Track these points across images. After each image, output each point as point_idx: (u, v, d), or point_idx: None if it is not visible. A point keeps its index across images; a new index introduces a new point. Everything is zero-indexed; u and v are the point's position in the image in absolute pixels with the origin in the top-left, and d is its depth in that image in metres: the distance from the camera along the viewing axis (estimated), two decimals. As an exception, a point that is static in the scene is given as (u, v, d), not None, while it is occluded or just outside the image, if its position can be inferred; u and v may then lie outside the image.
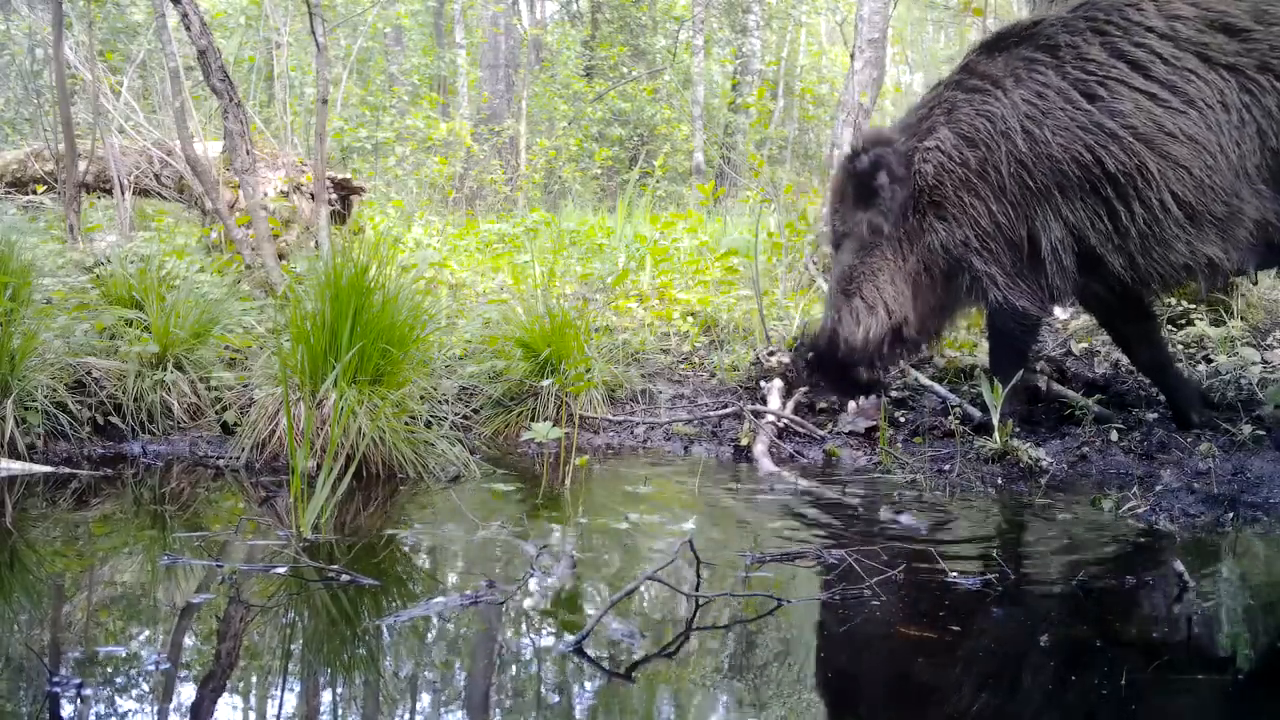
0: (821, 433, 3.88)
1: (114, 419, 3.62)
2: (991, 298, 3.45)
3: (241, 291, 4.52)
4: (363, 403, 3.31)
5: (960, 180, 3.41)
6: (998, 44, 3.50)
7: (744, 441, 3.77)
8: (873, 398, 4.00)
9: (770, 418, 3.89)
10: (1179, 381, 3.75)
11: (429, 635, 2.07)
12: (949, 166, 3.42)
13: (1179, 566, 2.38)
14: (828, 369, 3.73)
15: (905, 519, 2.91)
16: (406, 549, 2.65)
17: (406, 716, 1.75)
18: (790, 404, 4.05)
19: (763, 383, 4.29)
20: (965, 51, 3.63)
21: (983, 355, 4.42)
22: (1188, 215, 3.24)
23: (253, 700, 1.79)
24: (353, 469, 2.91)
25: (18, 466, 3.27)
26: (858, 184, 3.56)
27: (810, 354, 3.75)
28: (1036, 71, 3.36)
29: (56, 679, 1.76)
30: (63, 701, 1.70)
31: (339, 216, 6.09)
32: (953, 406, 3.89)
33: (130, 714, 1.70)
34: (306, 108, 9.26)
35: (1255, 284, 4.24)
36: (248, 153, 4.91)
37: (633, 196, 9.11)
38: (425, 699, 1.81)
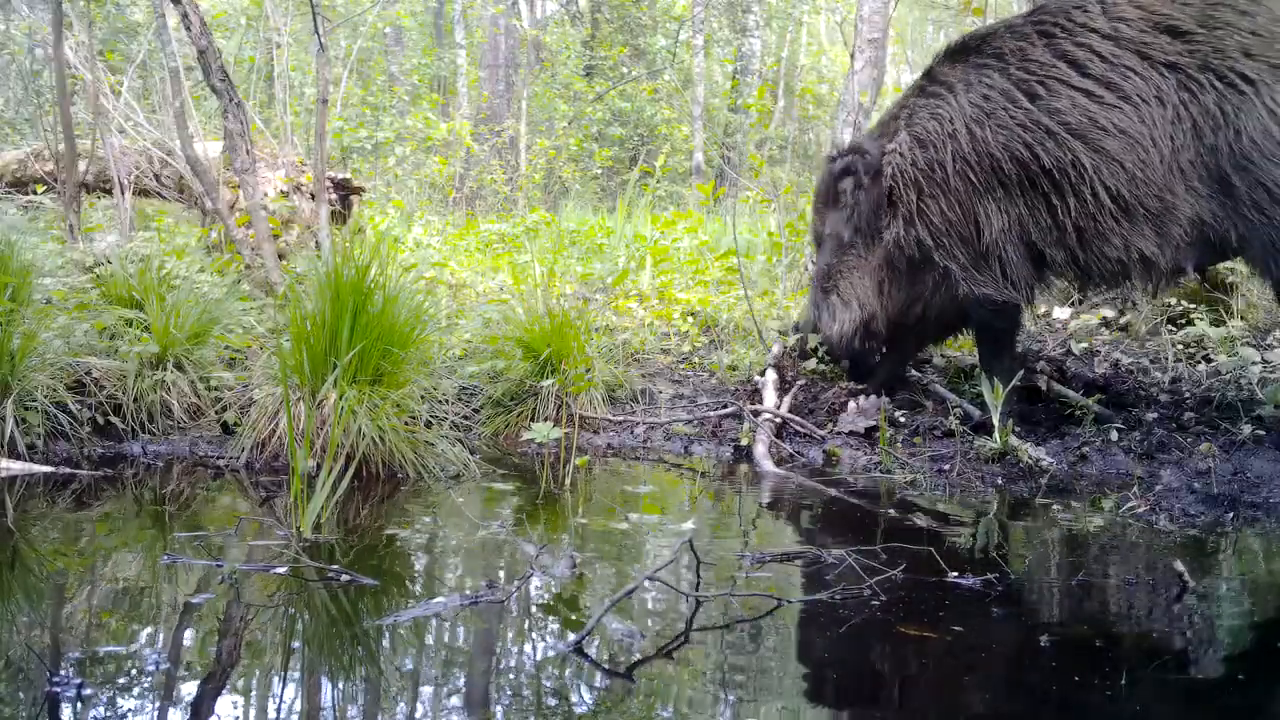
0: (821, 433, 3.88)
1: (114, 419, 3.62)
2: (960, 291, 3.59)
3: (241, 291, 4.52)
4: (363, 402, 3.31)
5: (912, 180, 3.58)
6: (958, 52, 3.66)
7: (744, 441, 3.77)
8: (873, 398, 4.00)
9: (769, 417, 3.89)
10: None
11: (429, 635, 2.07)
12: (904, 167, 3.59)
13: (1179, 566, 2.38)
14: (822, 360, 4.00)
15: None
16: (406, 549, 2.65)
17: (407, 716, 1.75)
18: (787, 401, 4.04)
19: (756, 377, 4.28)
20: (930, 59, 3.81)
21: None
22: (1121, 209, 3.32)
23: (253, 700, 1.79)
24: (353, 469, 2.91)
25: (18, 466, 3.27)
26: (831, 186, 3.80)
27: (800, 336, 4.07)
28: (985, 75, 3.51)
29: (56, 679, 1.76)
30: (63, 701, 1.70)
31: (339, 216, 6.09)
32: (953, 406, 3.89)
33: (130, 714, 1.69)
34: (306, 108, 9.26)
35: (1156, 293, 4.26)
36: (248, 153, 4.91)
37: (633, 196, 9.11)
38: (425, 699, 1.81)
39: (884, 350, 3.94)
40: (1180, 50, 3.29)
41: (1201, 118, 3.23)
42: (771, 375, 4.19)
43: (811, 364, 4.44)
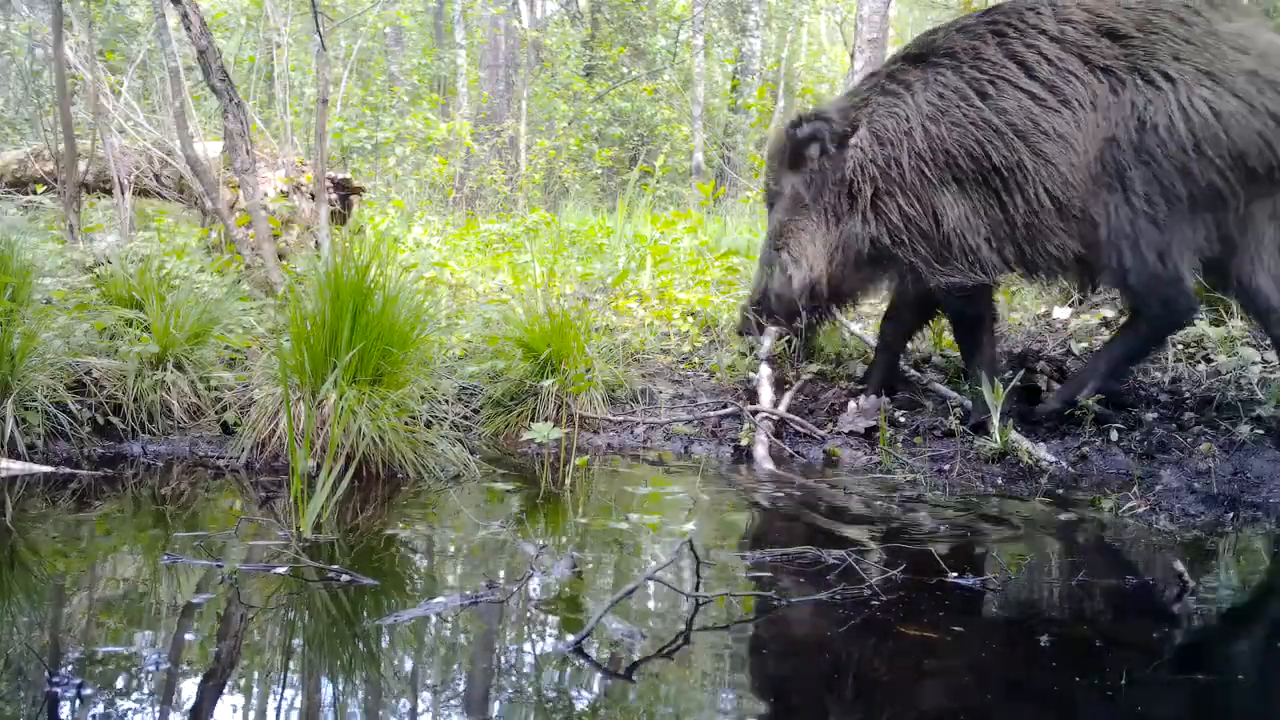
0: (821, 432, 3.88)
1: (114, 419, 3.62)
2: (929, 284, 3.67)
3: (241, 291, 4.52)
4: (363, 402, 3.31)
5: (871, 177, 3.66)
6: (917, 52, 3.74)
7: (744, 441, 3.77)
8: (873, 398, 4.01)
9: (771, 417, 3.89)
10: (896, 361, 4.17)
11: (429, 635, 2.07)
12: (864, 163, 3.68)
13: (1179, 566, 2.38)
14: (769, 315, 4.12)
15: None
16: (406, 549, 2.65)
17: (406, 716, 1.75)
18: (786, 400, 4.03)
19: (751, 374, 4.26)
20: (889, 58, 3.92)
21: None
22: (1057, 209, 3.42)
23: (253, 700, 1.79)
24: (353, 469, 2.91)
25: (18, 466, 3.27)
26: (793, 150, 3.86)
27: (753, 308, 4.17)
28: (940, 74, 3.60)
29: (56, 679, 1.76)
30: (63, 701, 1.70)
31: (339, 216, 6.09)
32: (953, 406, 3.89)
33: (130, 714, 1.69)
34: (306, 108, 9.26)
35: (1094, 291, 4.31)
36: (248, 153, 4.91)
37: (633, 196, 9.11)
38: (425, 699, 1.81)
39: (821, 313, 4.11)
40: (1117, 53, 3.36)
41: (1119, 115, 3.31)
42: (765, 370, 4.15)
43: (814, 366, 4.44)
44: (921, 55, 3.70)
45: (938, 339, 4.63)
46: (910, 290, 3.85)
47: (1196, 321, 4.41)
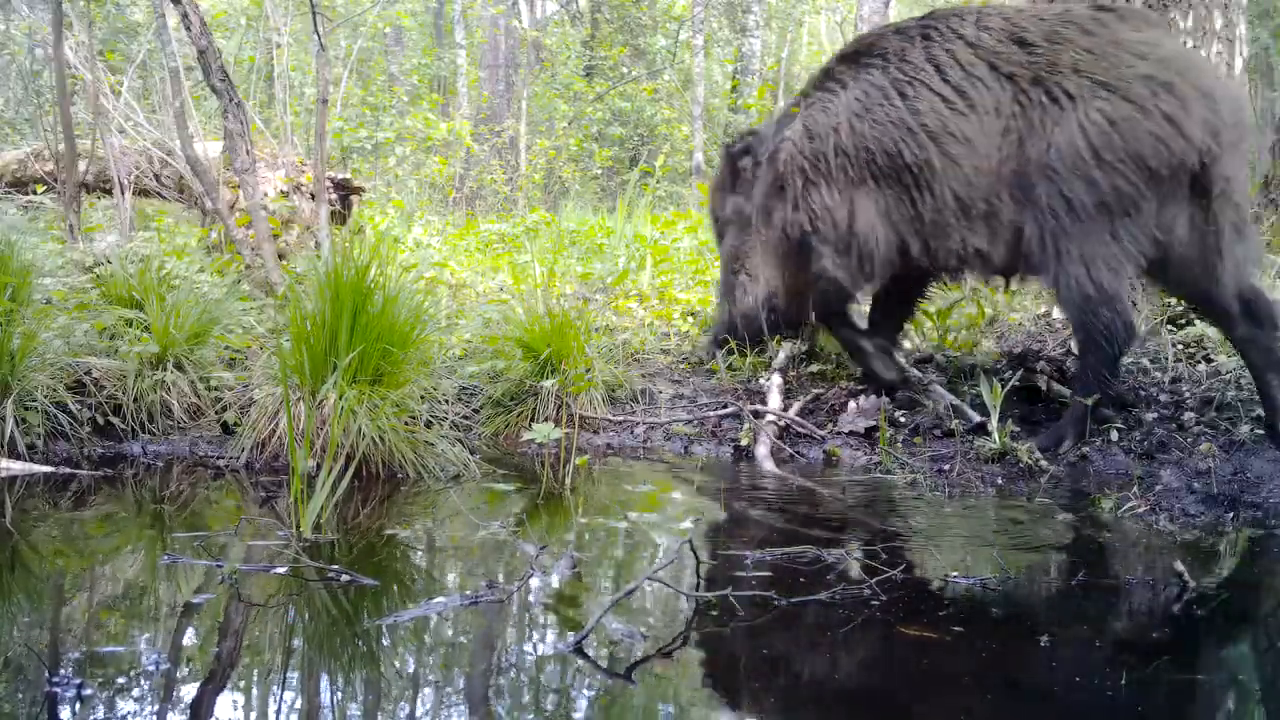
0: (822, 433, 3.88)
1: (114, 419, 3.62)
2: (816, 266, 3.85)
3: (241, 291, 4.52)
4: (363, 402, 3.31)
5: (799, 168, 3.82)
6: (855, 50, 3.87)
7: (744, 441, 3.77)
8: (873, 397, 4.01)
9: (771, 418, 3.89)
10: (893, 350, 4.18)
11: (429, 635, 2.08)
12: (793, 154, 3.84)
13: (1179, 566, 2.38)
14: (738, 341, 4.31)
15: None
16: (406, 549, 2.65)
17: (407, 717, 1.75)
18: (796, 406, 4.04)
19: (761, 380, 4.29)
20: (833, 56, 4.04)
21: (982, 355, 4.42)
22: (960, 208, 3.55)
23: (253, 700, 1.79)
24: (353, 469, 2.91)
25: (18, 466, 3.27)
26: (731, 170, 4.08)
27: (717, 337, 4.37)
28: (869, 73, 3.74)
29: (56, 679, 1.76)
30: (63, 701, 1.70)
31: (339, 216, 6.09)
32: (946, 412, 3.89)
33: (130, 714, 1.70)
34: (306, 108, 9.26)
35: (1007, 290, 4.35)
36: (248, 153, 4.91)
37: (633, 196, 9.11)
38: (425, 699, 1.81)
39: (786, 321, 4.23)
40: (1023, 62, 3.46)
41: (1026, 131, 3.42)
42: (777, 379, 4.20)
43: (814, 366, 4.45)
44: (858, 54, 3.85)
45: (941, 339, 4.63)
46: (891, 283, 3.98)
47: (1197, 322, 4.41)
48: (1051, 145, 3.34)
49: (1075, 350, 3.77)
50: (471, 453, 3.54)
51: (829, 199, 3.76)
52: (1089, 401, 3.46)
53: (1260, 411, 3.65)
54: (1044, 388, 4.02)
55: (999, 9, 3.65)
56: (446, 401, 3.78)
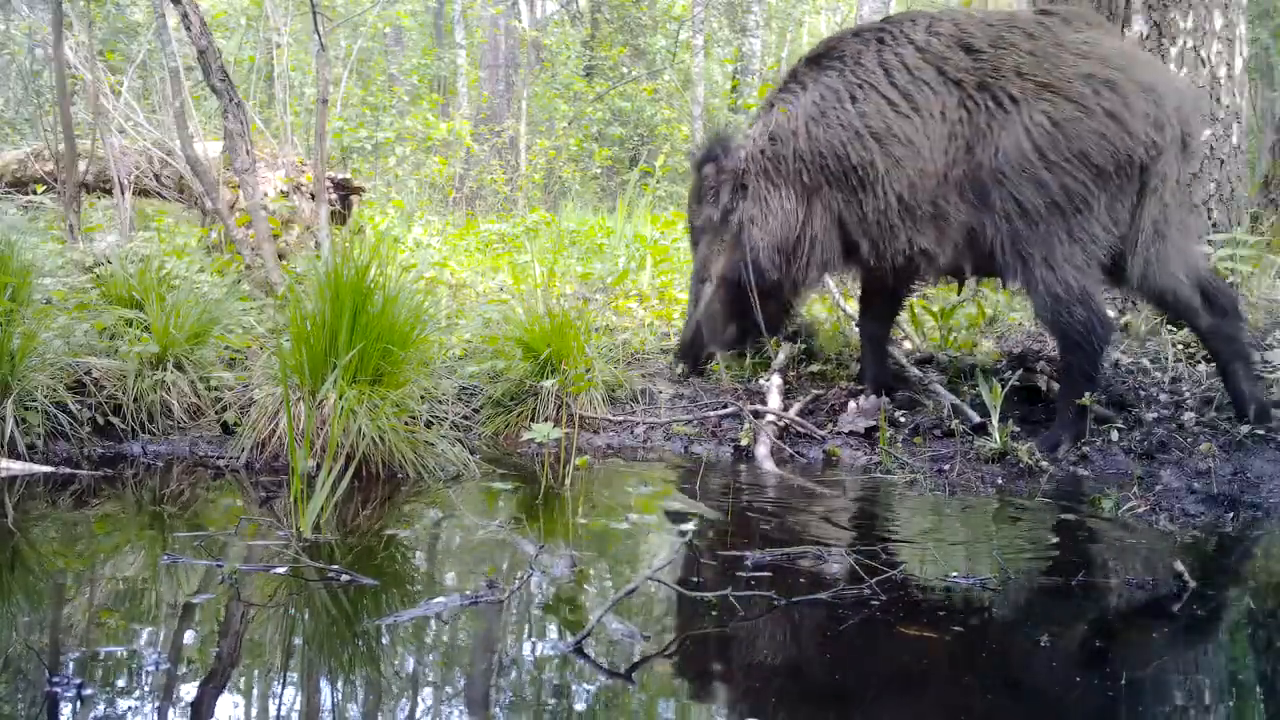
0: (821, 433, 3.88)
1: (114, 419, 3.62)
2: (755, 266, 3.90)
3: (241, 291, 4.52)
4: (363, 402, 3.31)
5: (761, 169, 3.88)
6: (818, 54, 3.91)
7: (744, 441, 3.77)
8: (873, 398, 4.01)
9: (771, 418, 3.89)
10: (885, 357, 4.21)
11: (429, 635, 2.08)
12: (754, 155, 3.90)
13: (1179, 566, 2.38)
14: (697, 357, 4.33)
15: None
16: (406, 549, 2.65)
17: (406, 717, 1.75)
18: (796, 407, 4.04)
19: (761, 381, 4.29)
20: (800, 59, 4.09)
21: (982, 355, 4.42)
22: (905, 209, 3.60)
23: (253, 700, 1.79)
24: (353, 469, 2.91)
25: (18, 466, 3.27)
26: (699, 179, 4.08)
27: (684, 349, 4.34)
28: (827, 75, 3.80)
29: (56, 679, 1.76)
30: (63, 701, 1.70)
31: (339, 216, 6.09)
32: (950, 404, 3.89)
33: (130, 714, 1.70)
34: (306, 108, 9.26)
35: (960, 291, 4.48)
36: (248, 153, 4.91)
37: (633, 196, 9.11)
38: (425, 699, 1.81)
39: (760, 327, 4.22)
40: (968, 67, 3.51)
41: (974, 136, 3.47)
42: (777, 380, 4.20)
43: (814, 367, 4.45)
44: (820, 57, 3.89)
45: (942, 339, 4.63)
46: (874, 281, 4.04)
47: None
48: (999, 150, 3.39)
49: (1058, 352, 3.77)
50: (471, 453, 3.54)
51: (786, 202, 3.81)
52: (1081, 402, 3.47)
53: (1260, 411, 3.65)
54: (1044, 388, 4.02)
55: (953, 15, 3.69)
56: (446, 401, 3.78)
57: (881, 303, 4.17)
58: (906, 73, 3.60)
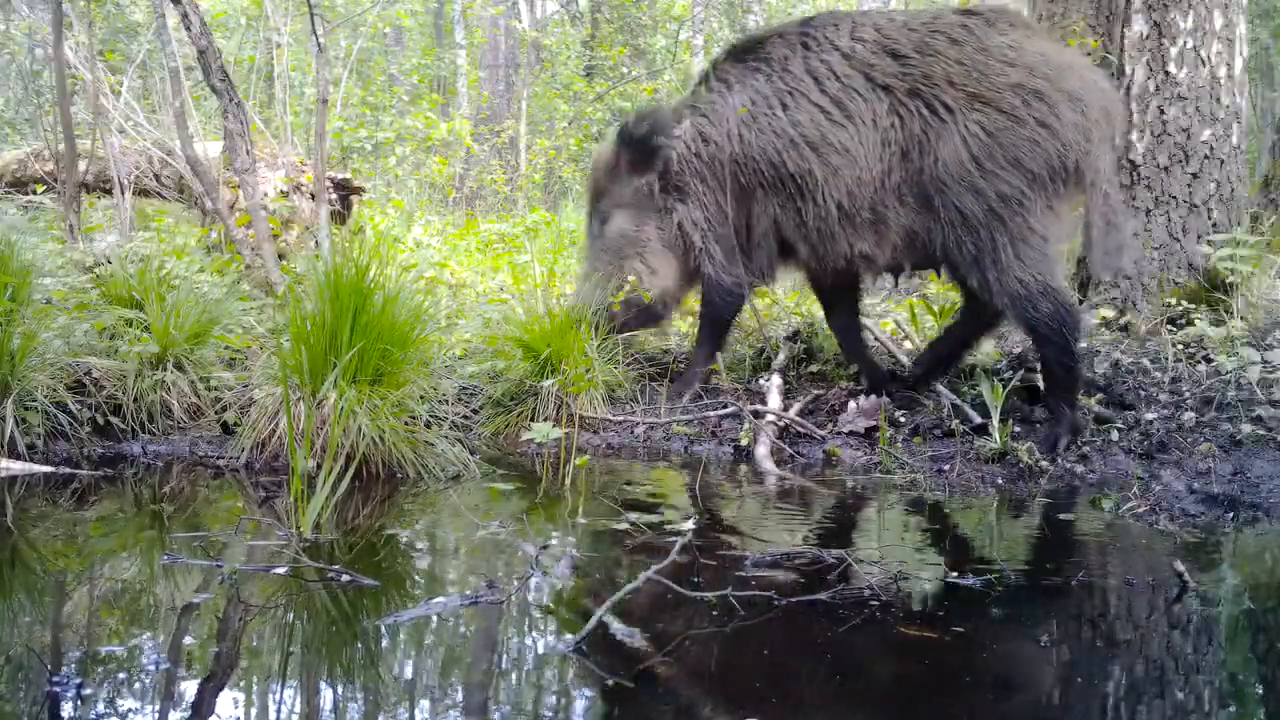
0: (821, 433, 3.88)
1: (114, 419, 3.62)
2: (705, 272, 3.99)
3: (241, 291, 4.52)
4: (363, 403, 3.31)
5: (694, 171, 3.92)
6: (743, 49, 3.96)
7: (744, 441, 3.77)
8: (873, 398, 4.01)
9: (771, 418, 3.89)
10: (863, 346, 4.25)
11: (429, 635, 2.07)
12: (688, 156, 3.93)
13: (1179, 566, 2.38)
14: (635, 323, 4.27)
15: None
16: (406, 549, 2.65)
17: (406, 717, 1.75)
18: (796, 407, 4.05)
19: (761, 381, 4.29)
20: (720, 51, 4.17)
21: (982, 356, 4.42)
22: (844, 216, 3.70)
23: (253, 701, 1.79)
24: (353, 469, 2.91)
25: (18, 466, 3.27)
26: (631, 153, 4.00)
27: (621, 315, 4.21)
28: (755, 79, 3.84)
29: (56, 679, 1.76)
30: (63, 701, 1.70)
31: (339, 216, 6.09)
32: (949, 403, 3.89)
33: (130, 714, 1.70)
34: (306, 108, 9.26)
35: (896, 285, 4.63)
36: (248, 153, 4.91)
37: (633, 196, 9.07)
38: (425, 700, 1.81)
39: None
40: (896, 73, 3.59)
41: (909, 143, 3.56)
42: (777, 380, 4.21)
43: (814, 368, 4.45)
44: (745, 55, 3.93)
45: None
46: (814, 280, 4.13)
47: (1196, 322, 4.42)
48: (939, 159, 3.50)
49: (1033, 350, 3.84)
50: (471, 453, 3.54)
51: (724, 206, 3.89)
52: (1071, 398, 3.50)
53: (1260, 412, 3.65)
54: (1044, 388, 4.01)
55: (874, 19, 3.75)
56: (446, 401, 3.78)
57: (835, 297, 4.21)
58: (836, 80, 3.67)
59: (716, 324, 4.14)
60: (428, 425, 3.53)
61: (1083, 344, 4.34)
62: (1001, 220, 3.43)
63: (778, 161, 3.74)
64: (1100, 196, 3.48)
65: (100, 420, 3.61)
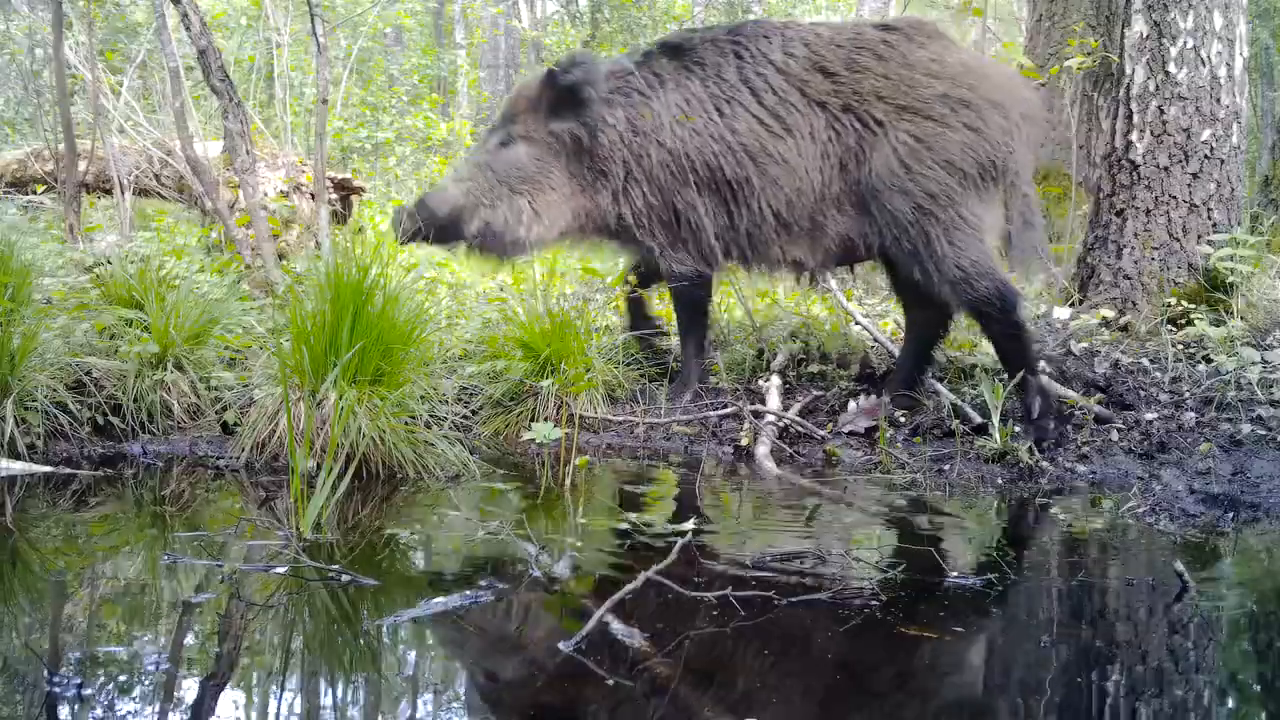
0: (821, 433, 3.88)
1: (114, 419, 3.62)
2: (663, 267, 4.03)
3: (241, 291, 4.52)
4: (363, 402, 3.31)
5: (623, 161, 3.93)
6: (675, 46, 4.01)
7: (744, 442, 3.77)
8: (873, 397, 4.01)
9: (771, 418, 3.89)
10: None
11: (429, 635, 2.08)
12: (619, 146, 3.93)
13: (1179, 566, 2.38)
14: (438, 238, 4.07)
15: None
16: (406, 549, 2.65)
17: (406, 717, 1.75)
18: (796, 407, 4.05)
19: (761, 382, 4.29)
20: (654, 42, 4.19)
21: (982, 355, 4.42)
22: (781, 224, 3.82)
23: (253, 700, 1.79)
24: (353, 469, 2.91)
25: (18, 466, 3.27)
26: (555, 96, 3.94)
27: (422, 218, 4.00)
28: (689, 80, 3.91)
29: (56, 679, 1.76)
30: (63, 701, 1.70)
31: (339, 216, 6.09)
32: (949, 403, 3.89)
33: (130, 714, 1.70)
34: (306, 108, 9.26)
35: (814, 283, 4.60)
36: (248, 153, 4.91)
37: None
38: (425, 700, 1.81)
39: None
40: (829, 90, 3.73)
41: (845, 155, 3.71)
42: (777, 380, 4.21)
43: (814, 368, 4.45)
44: (679, 52, 3.97)
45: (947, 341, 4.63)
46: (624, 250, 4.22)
47: (1196, 322, 4.42)
48: (872, 169, 3.66)
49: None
50: (471, 453, 3.54)
51: (652, 198, 3.92)
52: (1031, 364, 3.59)
53: (1260, 412, 3.65)
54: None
55: (801, 33, 3.85)
56: (446, 401, 3.78)
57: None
58: (773, 94, 3.77)
59: (686, 308, 4.17)
60: (428, 425, 3.53)
61: (1025, 315, 4.29)
62: (933, 215, 3.58)
63: (714, 165, 3.81)
64: (1019, 197, 3.65)
65: (100, 420, 3.61)
